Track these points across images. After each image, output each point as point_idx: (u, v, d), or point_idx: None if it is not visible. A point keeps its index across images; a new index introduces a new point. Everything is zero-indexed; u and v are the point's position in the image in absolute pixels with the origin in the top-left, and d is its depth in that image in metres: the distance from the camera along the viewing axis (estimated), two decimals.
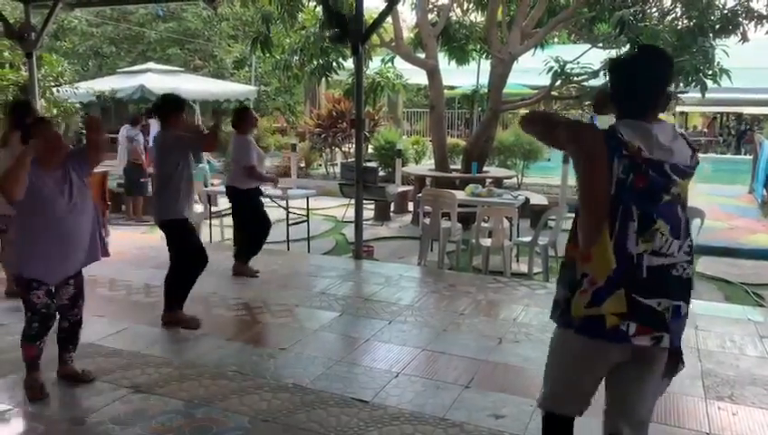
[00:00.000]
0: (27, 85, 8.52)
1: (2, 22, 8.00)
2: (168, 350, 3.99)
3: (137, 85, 13.42)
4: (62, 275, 3.23)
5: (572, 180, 10.81)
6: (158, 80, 14.06)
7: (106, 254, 3.46)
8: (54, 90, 10.25)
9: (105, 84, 14.04)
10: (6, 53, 9.62)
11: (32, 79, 8.21)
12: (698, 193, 11.03)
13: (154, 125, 10.76)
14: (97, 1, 8.32)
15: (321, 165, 14.63)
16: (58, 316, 3.33)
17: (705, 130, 24.21)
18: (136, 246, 7.06)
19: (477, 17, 10.44)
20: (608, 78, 2.18)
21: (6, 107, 8.91)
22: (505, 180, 10.30)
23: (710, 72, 7.91)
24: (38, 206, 3.06)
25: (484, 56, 10.80)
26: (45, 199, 3.07)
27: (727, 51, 7.99)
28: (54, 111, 9.82)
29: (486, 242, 6.44)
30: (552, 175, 12.39)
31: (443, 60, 9.99)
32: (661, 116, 2.06)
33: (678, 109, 18.87)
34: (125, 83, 13.91)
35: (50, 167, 3.12)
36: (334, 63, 9.51)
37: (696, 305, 5.18)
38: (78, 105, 11.24)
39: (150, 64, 16.03)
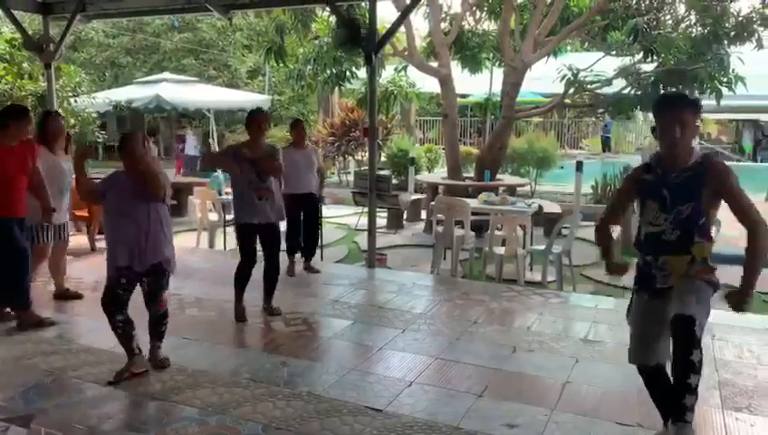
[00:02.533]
0: (45, 95, 8.66)
1: (22, 34, 8.16)
2: (182, 357, 4.01)
3: (152, 95, 13.59)
4: (141, 266, 3.56)
5: (585, 189, 10.79)
6: (173, 89, 14.23)
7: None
8: (72, 100, 10.42)
9: (121, 94, 14.27)
10: (26, 64, 9.81)
11: (50, 89, 8.34)
12: None
13: (190, 137, 10.92)
14: (114, 13, 8.41)
15: (333, 173, 14.69)
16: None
17: (723, 138, 23.94)
18: None
19: (490, 26, 10.47)
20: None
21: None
22: (518, 188, 10.27)
23: (725, 80, 7.87)
24: (123, 209, 3.55)
25: (496, 64, 10.82)
26: (128, 204, 3.55)
27: (742, 58, 7.95)
28: (72, 121, 9.97)
29: (500, 250, 6.41)
30: (565, 183, 12.33)
31: (455, 68, 10.01)
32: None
33: None
34: (141, 93, 14.10)
35: (134, 177, 3.52)
36: (347, 73, 9.58)
37: (713, 314, 5.11)
38: (95, 114, 11.40)
39: (166, 74, 16.23)
